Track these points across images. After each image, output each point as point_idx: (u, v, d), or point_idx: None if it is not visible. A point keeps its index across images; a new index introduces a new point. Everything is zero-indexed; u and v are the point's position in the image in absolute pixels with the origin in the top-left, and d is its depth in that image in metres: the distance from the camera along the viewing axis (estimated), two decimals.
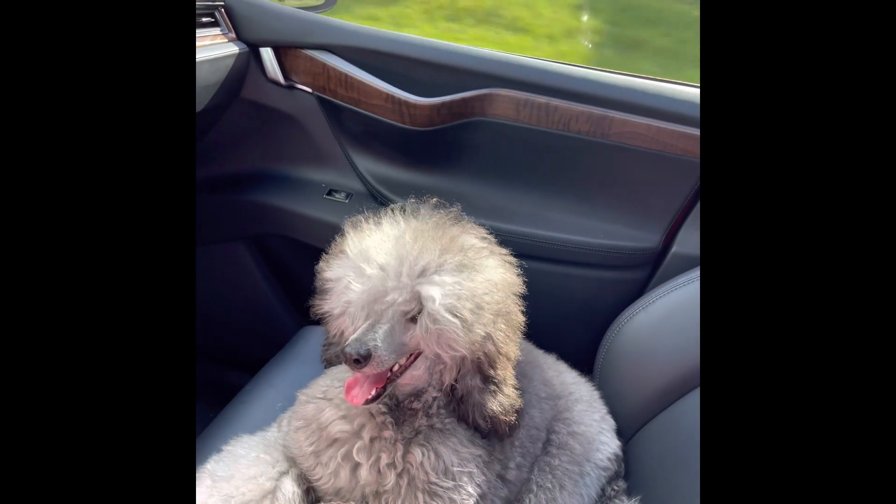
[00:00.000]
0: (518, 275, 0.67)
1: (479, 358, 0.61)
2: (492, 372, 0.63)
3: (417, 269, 0.58)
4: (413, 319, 0.58)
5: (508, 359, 0.64)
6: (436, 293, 0.57)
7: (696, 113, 0.99)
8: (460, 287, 0.58)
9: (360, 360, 0.55)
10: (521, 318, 0.66)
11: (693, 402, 0.83)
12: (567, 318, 1.12)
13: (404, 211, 0.67)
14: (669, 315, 0.90)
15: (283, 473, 0.67)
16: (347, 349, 0.55)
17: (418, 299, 0.57)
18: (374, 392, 0.60)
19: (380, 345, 0.56)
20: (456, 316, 0.57)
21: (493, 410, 0.63)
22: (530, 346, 0.85)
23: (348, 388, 0.61)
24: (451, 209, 0.68)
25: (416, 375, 0.63)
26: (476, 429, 0.65)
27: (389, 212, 0.66)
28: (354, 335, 0.57)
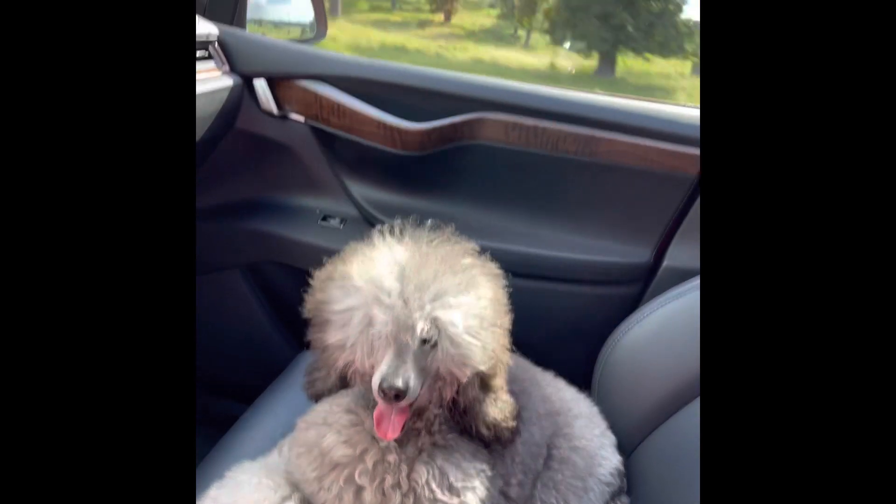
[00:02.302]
0: (504, 287, 0.68)
1: (484, 370, 0.62)
2: (492, 381, 0.64)
3: (432, 294, 0.58)
4: (432, 345, 0.58)
5: (504, 366, 0.66)
6: (456, 317, 0.57)
7: (681, 130, 1.02)
8: (473, 308, 0.59)
9: (399, 395, 0.55)
10: (509, 326, 0.67)
11: (690, 414, 0.83)
12: (563, 334, 1.13)
13: (395, 233, 0.67)
14: (663, 328, 0.92)
15: (286, 498, 0.66)
16: (385, 385, 0.55)
17: (436, 325, 0.57)
18: (403, 422, 0.60)
19: (412, 375, 0.56)
20: (474, 337, 0.58)
21: (495, 418, 0.64)
22: (528, 364, 0.86)
23: (378, 423, 0.60)
24: (446, 230, 0.69)
25: (420, 395, 0.64)
26: (479, 438, 0.65)
27: (382, 234, 0.66)
28: (386, 369, 0.56)
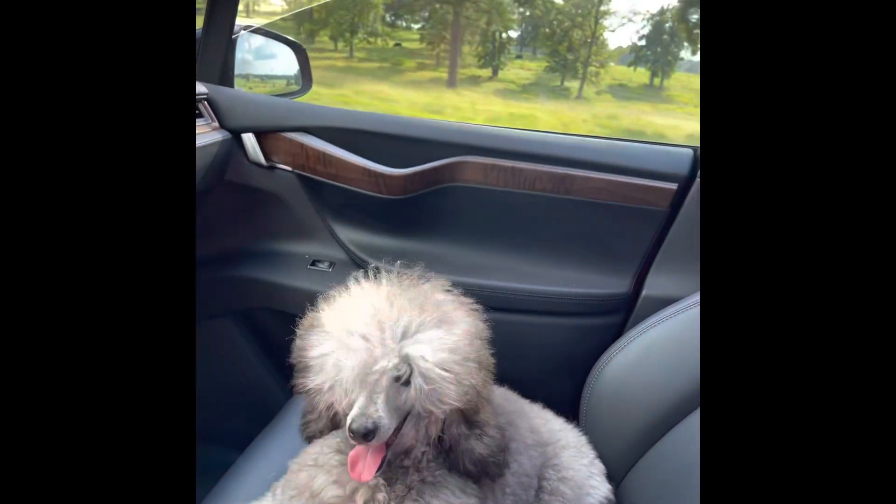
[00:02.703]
0: (484, 321, 0.70)
1: (464, 406, 0.64)
2: (475, 417, 0.65)
3: (400, 332, 0.60)
4: (405, 383, 0.60)
5: (487, 401, 0.67)
6: (424, 352, 0.59)
7: (650, 166, 1.07)
8: (445, 342, 0.61)
9: (368, 435, 0.57)
10: (492, 361, 0.69)
11: (676, 438, 0.85)
12: (549, 366, 1.15)
13: (370, 277, 0.69)
14: (645, 355, 0.94)
15: None
16: (354, 426, 0.57)
17: (407, 361, 0.59)
18: (378, 463, 0.62)
19: (382, 415, 0.58)
20: (447, 370, 0.59)
21: (481, 454, 0.65)
22: (515, 396, 0.88)
23: (352, 466, 0.62)
24: (417, 268, 0.71)
25: (405, 434, 0.65)
26: (467, 474, 0.67)
27: (355, 280, 0.68)
28: (356, 410, 0.58)
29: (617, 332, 1.14)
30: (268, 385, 1.31)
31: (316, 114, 1.14)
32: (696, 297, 0.91)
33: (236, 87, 1.29)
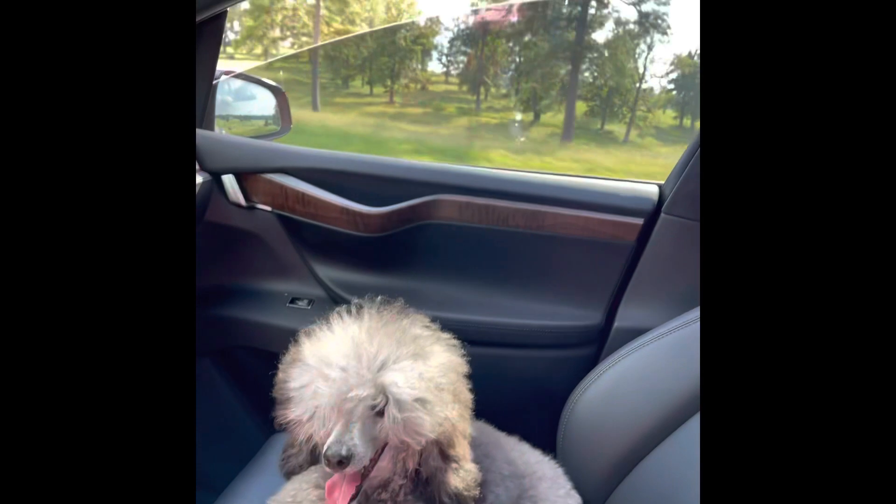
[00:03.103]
0: (462, 356, 0.73)
1: (440, 439, 0.66)
2: (451, 451, 0.67)
3: (377, 364, 0.63)
4: (380, 413, 0.62)
5: (464, 436, 0.69)
6: (399, 380, 0.61)
7: (617, 202, 1.13)
8: (419, 373, 0.63)
9: (343, 462, 0.59)
10: (469, 396, 0.71)
11: (651, 465, 0.87)
12: (525, 398, 1.17)
13: (352, 312, 0.72)
14: (617, 385, 0.97)
15: None
16: (329, 452, 0.59)
17: (383, 391, 0.62)
18: (353, 491, 0.63)
19: (357, 442, 0.60)
20: (419, 400, 0.62)
21: (457, 487, 0.66)
22: (491, 429, 0.89)
23: (329, 493, 0.63)
24: (396, 303, 0.74)
25: (382, 466, 0.67)
26: None
27: (338, 316, 0.71)
28: (332, 438, 0.60)
29: (591, 363, 1.17)
30: (246, 425, 1.30)
31: (295, 155, 1.18)
32: (667, 327, 0.95)
33: (217, 129, 1.32)
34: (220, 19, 1.13)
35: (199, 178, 1.11)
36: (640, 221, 1.12)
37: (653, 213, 1.12)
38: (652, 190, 1.15)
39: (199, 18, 1.06)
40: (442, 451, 0.67)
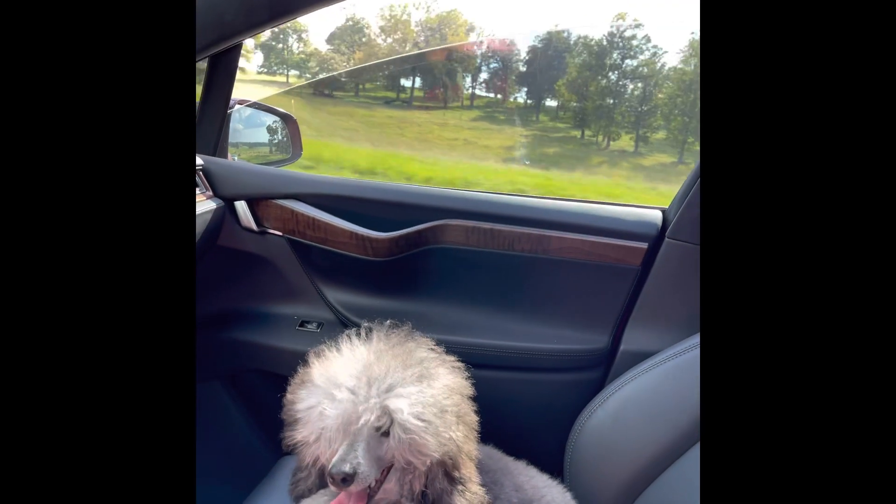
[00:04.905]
0: (467, 378, 0.74)
1: (445, 460, 0.67)
2: (457, 473, 0.68)
3: (384, 387, 0.65)
4: (385, 434, 0.64)
5: (470, 458, 0.70)
6: (403, 404, 0.63)
7: (621, 227, 1.14)
8: (423, 395, 0.65)
9: (346, 479, 0.60)
10: (475, 418, 0.72)
11: (659, 489, 0.87)
12: (532, 422, 1.17)
13: (361, 335, 0.74)
14: (624, 408, 0.98)
15: None
16: (333, 470, 0.60)
17: (388, 413, 0.63)
18: None
19: (361, 461, 0.61)
20: (423, 421, 0.63)
21: None
22: (500, 454, 0.90)
23: None
24: (403, 327, 0.76)
25: (388, 489, 0.68)
26: None
27: (347, 338, 0.73)
28: (337, 456, 0.62)
29: (597, 386, 1.17)
30: (255, 448, 1.31)
31: (305, 182, 1.21)
32: (671, 351, 0.96)
33: (230, 156, 1.36)
34: (233, 52, 1.17)
35: (212, 205, 1.14)
36: (644, 246, 1.13)
37: (657, 238, 1.14)
38: (656, 214, 1.17)
39: (213, 52, 1.10)
40: (447, 472, 0.68)
